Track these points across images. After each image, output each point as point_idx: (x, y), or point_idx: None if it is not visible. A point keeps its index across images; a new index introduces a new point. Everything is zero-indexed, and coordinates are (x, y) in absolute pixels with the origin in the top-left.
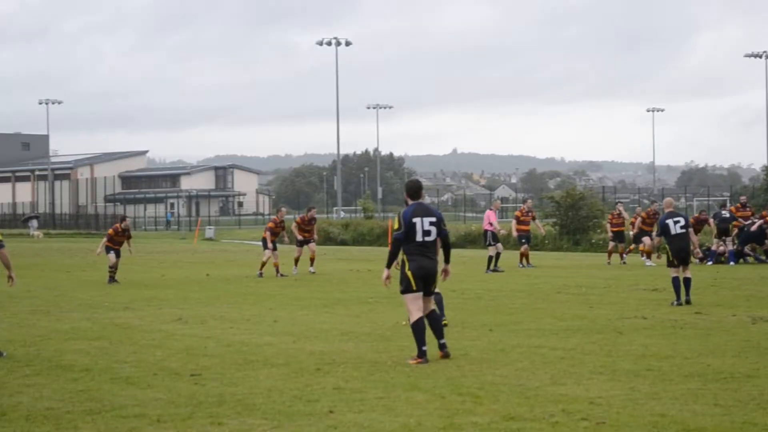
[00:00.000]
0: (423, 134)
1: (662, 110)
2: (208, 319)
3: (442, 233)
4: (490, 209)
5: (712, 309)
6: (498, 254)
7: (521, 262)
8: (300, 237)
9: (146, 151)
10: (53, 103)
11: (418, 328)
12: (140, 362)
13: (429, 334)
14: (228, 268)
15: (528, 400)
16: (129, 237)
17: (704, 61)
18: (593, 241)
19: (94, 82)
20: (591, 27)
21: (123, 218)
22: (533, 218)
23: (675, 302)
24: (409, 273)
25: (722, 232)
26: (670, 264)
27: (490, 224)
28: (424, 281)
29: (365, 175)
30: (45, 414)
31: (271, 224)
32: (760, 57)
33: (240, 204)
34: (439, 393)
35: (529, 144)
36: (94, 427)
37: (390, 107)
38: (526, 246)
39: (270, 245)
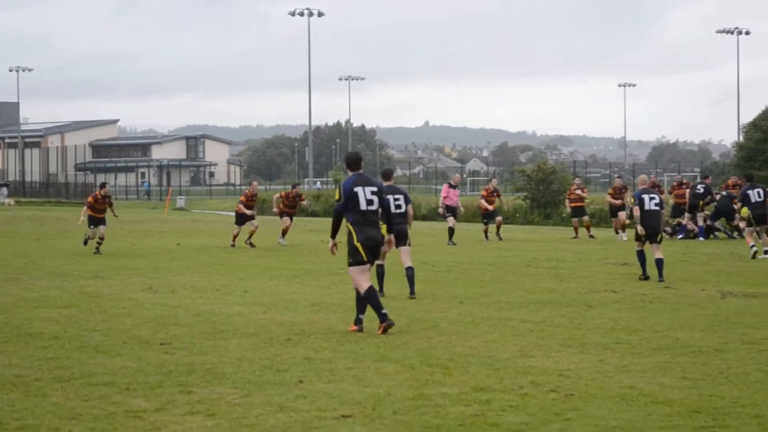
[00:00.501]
0: (395, 106)
1: (634, 85)
2: (179, 289)
3: (383, 203)
4: (448, 183)
5: (681, 284)
6: (451, 228)
7: (486, 236)
8: (278, 210)
9: (117, 120)
10: (24, 71)
11: (371, 296)
12: (110, 331)
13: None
14: (198, 237)
15: (497, 372)
16: (111, 204)
17: (677, 37)
18: (564, 215)
19: (66, 51)
20: (568, 1)
21: (102, 185)
22: (498, 196)
23: (642, 276)
24: (358, 245)
25: (693, 207)
26: (637, 238)
27: (445, 198)
28: (372, 252)
29: (337, 146)
30: (14, 381)
31: (243, 197)
32: (732, 33)
33: (211, 174)
34: (409, 364)
35: (501, 117)
36: (63, 394)
37: (362, 79)
38: (495, 220)
39: (247, 216)
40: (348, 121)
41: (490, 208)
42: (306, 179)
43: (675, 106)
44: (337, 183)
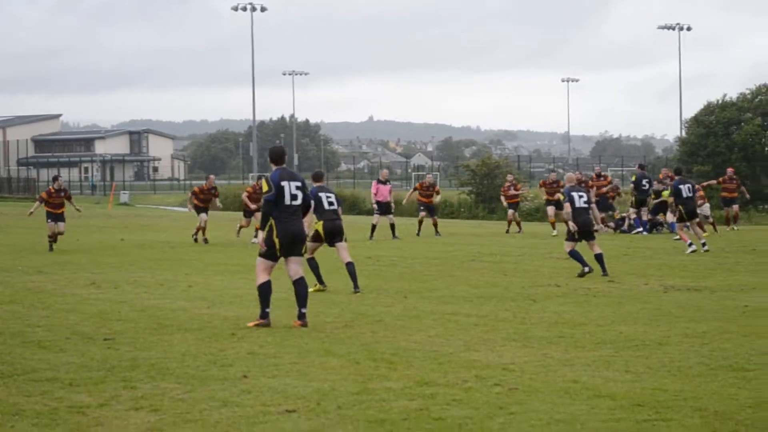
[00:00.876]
0: (339, 101)
1: (577, 80)
2: (122, 284)
3: (306, 198)
4: (377, 179)
5: (624, 277)
6: (392, 224)
7: (419, 231)
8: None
9: (60, 115)
10: None
11: (264, 290)
12: (53, 326)
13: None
14: (142, 233)
15: (442, 366)
16: (69, 197)
17: (619, 33)
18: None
19: (8, 46)
20: None
21: (55, 178)
22: (437, 192)
23: (585, 269)
24: (276, 240)
25: (640, 203)
26: (570, 238)
27: (375, 194)
28: (289, 246)
29: (281, 141)
30: None
31: (196, 189)
32: (674, 29)
33: (155, 169)
34: (353, 358)
35: (445, 112)
36: (6, 390)
37: (306, 74)
38: (423, 214)
39: (193, 211)
40: (292, 116)
41: (426, 201)
42: (251, 174)
43: (618, 101)
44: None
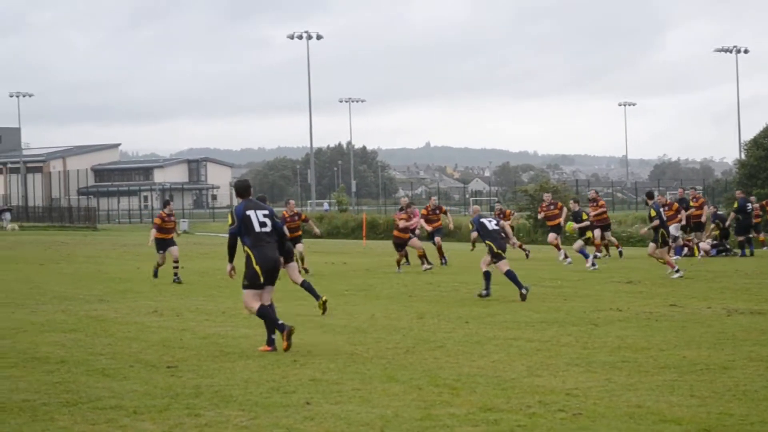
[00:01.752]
0: (396, 128)
1: (634, 104)
2: (184, 312)
3: (277, 225)
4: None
5: (687, 301)
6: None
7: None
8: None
9: (119, 144)
10: (24, 96)
11: (266, 315)
12: (116, 354)
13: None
14: (202, 261)
15: (505, 392)
16: (175, 222)
17: (676, 56)
18: (567, 234)
19: (66, 76)
20: (564, 22)
21: (166, 202)
22: (444, 212)
23: (483, 292)
24: (257, 267)
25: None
26: (493, 257)
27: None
28: (270, 273)
29: (338, 168)
30: (21, 405)
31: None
32: (730, 52)
33: (213, 197)
34: (416, 384)
35: (502, 138)
36: (71, 418)
37: (363, 101)
38: (435, 240)
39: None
40: (349, 143)
41: (429, 228)
42: (309, 201)
43: (676, 124)
44: (340, 204)
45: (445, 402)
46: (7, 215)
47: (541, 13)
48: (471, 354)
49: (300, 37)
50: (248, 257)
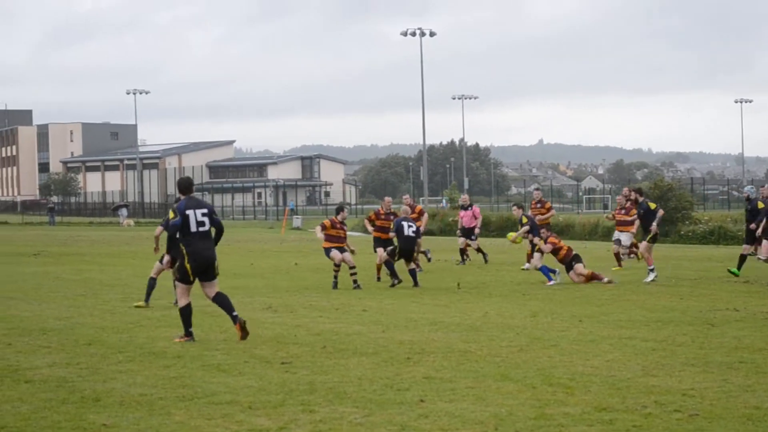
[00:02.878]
0: (509, 125)
1: (750, 101)
2: (298, 308)
3: (214, 222)
4: (460, 206)
5: None
6: (478, 249)
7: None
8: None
9: (233, 141)
10: (141, 93)
11: (185, 313)
12: (231, 350)
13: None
14: (316, 257)
15: (620, 392)
16: (345, 231)
17: None
18: (682, 232)
19: (182, 73)
20: (683, 18)
21: (340, 209)
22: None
23: (394, 281)
24: (187, 266)
25: None
26: (390, 254)
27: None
28: (202, 271)
29: (451, 165)
30: (138, 399)
31: (372, 215)
32: None
33: (327, 194)
34: (530, 383)
35: (615, 135)
36: (187, 413)
37: (475, 98)
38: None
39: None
40: (462, 140)
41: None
42: (421, 198)
43: None
44: (452, 201)
45: (559, 401)
46: (124, 211)
47: (660, 9)
48: (585, 353)
49: (413, 34)
50: (181, 254)
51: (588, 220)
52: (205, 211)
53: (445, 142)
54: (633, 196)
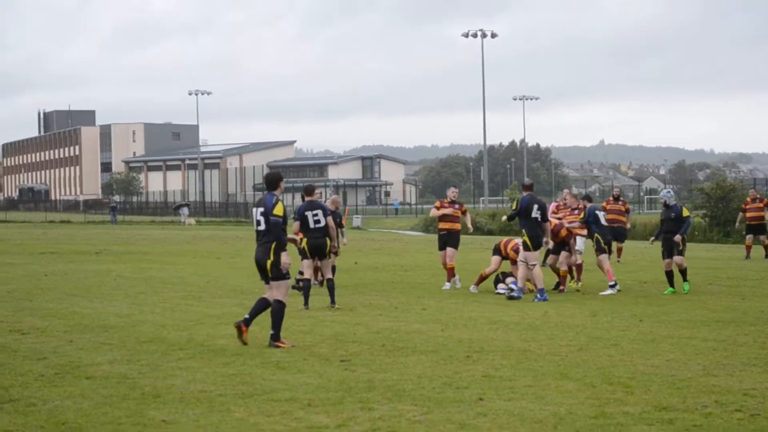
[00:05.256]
0: (570, 126)
1: None
2: (357, 306)
3: (270, 222)
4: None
5: None
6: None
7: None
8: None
9: (294, 141)
10: (202, 94)
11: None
12: (290, 348)
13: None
14: (375, 256)
15: (680, 391)
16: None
17: None
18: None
19: (247, 75)
20: (748, 18)
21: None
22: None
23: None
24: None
25: None
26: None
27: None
28: (259, 270)
29: (511, 165)
30: (198, 396)
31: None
32: None
33: (387, 194)
34: (590, 382)
35: (677, 136)
36: (247, 410)
37: (536, 98)
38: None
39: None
40: (522, 141)
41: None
42: (481, 198)
43: None
44: (513, 201)
45: (618, 400)
46: (185, 210)
47: (727, 9)
48: (645, 352)
49: (475, 36)
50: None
51: (650, 221)
52: (261, 209)
53: (505, 143)
54: (579, 204)
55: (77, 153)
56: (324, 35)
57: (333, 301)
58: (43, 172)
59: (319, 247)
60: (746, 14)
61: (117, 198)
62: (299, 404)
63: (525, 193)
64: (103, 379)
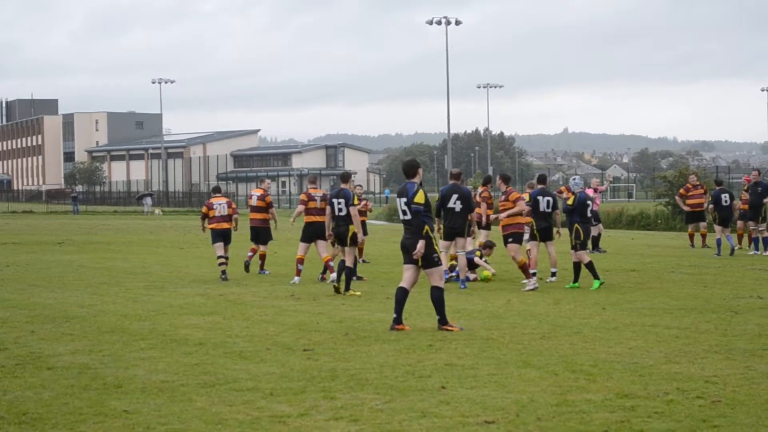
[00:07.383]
0: (534, 114)
1: None
2: (320, 296)
3: (412, 210)
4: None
5: None
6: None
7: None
8: None
9: (258, 130)
10: (166, 83)
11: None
12: (253, 337)
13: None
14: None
15: (642, 378)
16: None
17: None
18: (708, 220)
19: (212, 64)
20: (710, 8)
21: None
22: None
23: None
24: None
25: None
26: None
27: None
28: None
29: (476, 154)
30: (160, 386)
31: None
32: None
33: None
34: (552, 370)
35: (640, 124)
36: (209, 399)
37: (500, 87)
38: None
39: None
40: (486, 129)
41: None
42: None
43: None
44: (476, 190)
45: (581, 388)
46: (148, 200)
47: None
48: (607, 340)
49: (439, 23)
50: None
51: (612, 209)
52: (405, 200)
53: (469, 131)
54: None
55: (40, 142)
56: (294, 23)
57: (348, 287)
58: (5, 162)
59: (339, 234)
60: (707, 4)
61: (80, 188)
62: (261, 393)
63: (450, 182)
64: (65, 370)
